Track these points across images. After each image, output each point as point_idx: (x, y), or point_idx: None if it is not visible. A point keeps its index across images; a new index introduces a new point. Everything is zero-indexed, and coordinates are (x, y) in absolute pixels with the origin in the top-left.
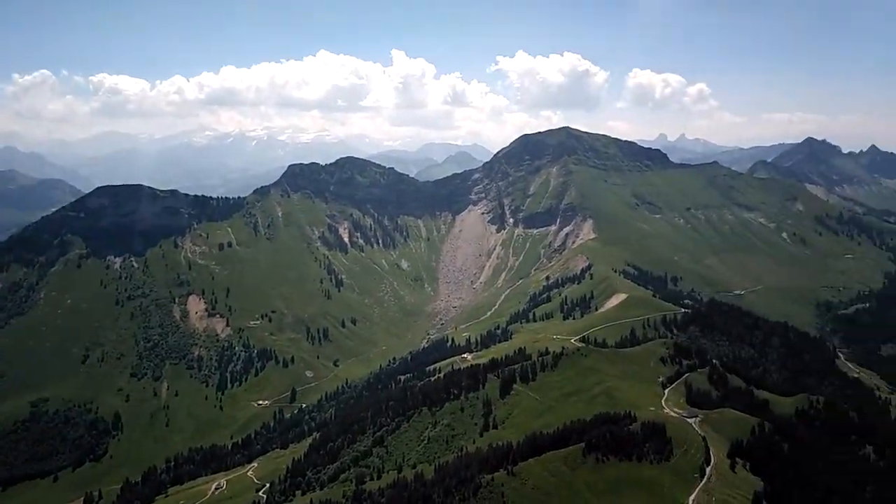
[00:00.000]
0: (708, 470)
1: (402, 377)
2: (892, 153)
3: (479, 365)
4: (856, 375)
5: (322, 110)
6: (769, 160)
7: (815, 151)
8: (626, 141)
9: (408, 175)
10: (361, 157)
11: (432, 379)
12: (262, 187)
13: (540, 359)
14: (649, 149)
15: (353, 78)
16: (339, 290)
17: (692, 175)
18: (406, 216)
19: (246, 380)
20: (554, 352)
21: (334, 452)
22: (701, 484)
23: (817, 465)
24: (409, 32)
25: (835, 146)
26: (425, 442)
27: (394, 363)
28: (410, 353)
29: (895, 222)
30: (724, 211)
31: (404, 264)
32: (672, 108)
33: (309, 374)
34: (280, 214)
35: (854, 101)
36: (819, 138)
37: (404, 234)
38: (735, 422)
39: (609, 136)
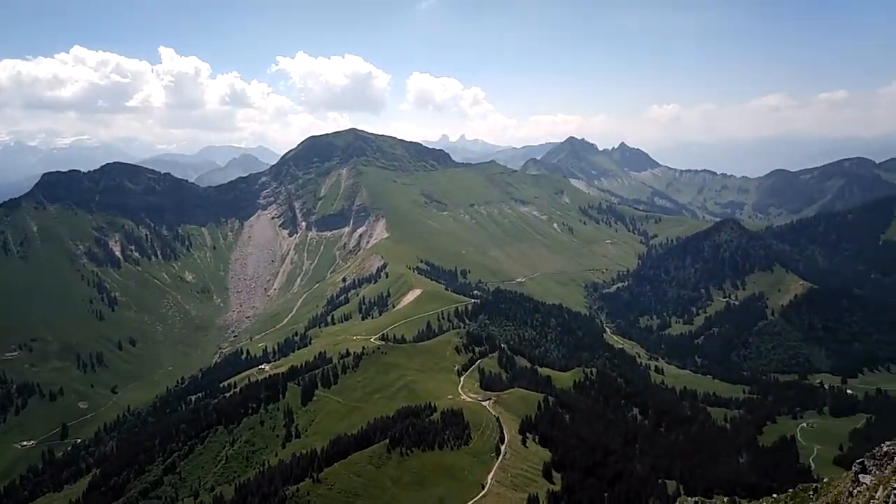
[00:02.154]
0: (503, 448)
1: (194, 397)
2: (638, 149)
3: (278, 374)
4: (620, 346)
5: (80, 112)
6: (539, 158)
7: (576, 149)
8: (411, 142)
9: (187, 180)
10: (131, 162)
11: (227, 395)
12: (10, 200)
13: (341, 361)
14: (433, 149)
15: (115, 76)
16: (112, 310)
17: (473, 173)
18: (188, 224)
19: (5, 419)
20: (354, 353)
21: (119, 487)
22: (497, 462)
23: (595, 429)
24: (176, 28)
25: (592, 144)
26: (223, 462)
27: (183, 383)
28: (201, 370)
29: (643, 209)
30: (503, 206)
31: (188, 276)
32: (451, 110)
33: (83, 405)
34: (35, 229)
35: (604, 102)
36: (579, 137)
37: (186, 243)
38: (523, 399)
39: (395, 138)
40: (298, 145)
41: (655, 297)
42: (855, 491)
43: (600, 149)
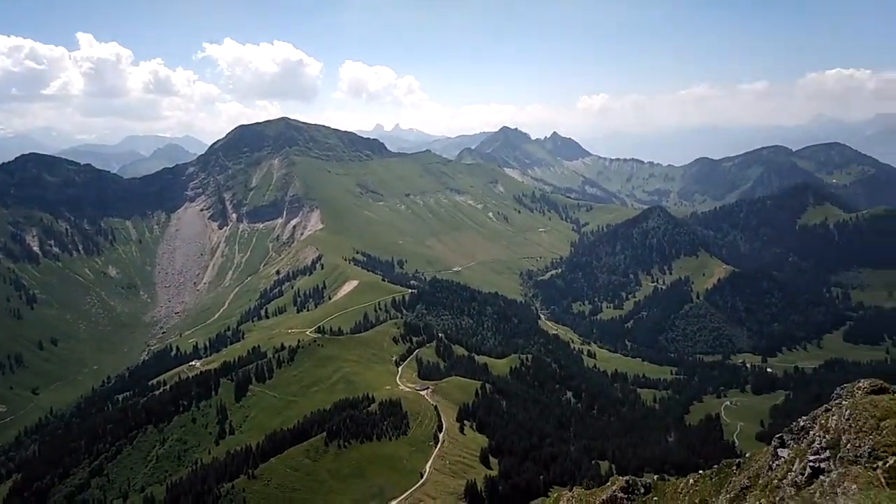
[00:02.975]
0: (441, 436)
1: (121, 396)
2: (569, 138)
3: (210, 371)
4: (555, 332)
5: None
6: (473, 147)
7: (510, 139)
8: (345, 131)
9: (109, 172)
10: (49, 153)
11: (157, 393)
12: None
13: (276, 355)
14: (368, 139)
15: (29, 63)
16: (31, 308)
17: (409, 163)
18: (111, 218)
19: None
20: (290, 346)
21: (43, 492)
22: (436, 450)
23: (530, 414)
24: (95, 12)
25: (525, 133)
26: (153, 462)
27: (109, 382)
28: (128, 368)
29: (575, 198)
30: (438, 195)
31: (113, 271)
32: (385, 99)
33: (1, 408)
34: None
35: (536, 93)
36: (512, 127)
37: (110, 237)
38: (461, 387)
39: (329, 127)
40: (227, 134)
41: (587, 283)
42: (774, 465)
43: (533, 138)
